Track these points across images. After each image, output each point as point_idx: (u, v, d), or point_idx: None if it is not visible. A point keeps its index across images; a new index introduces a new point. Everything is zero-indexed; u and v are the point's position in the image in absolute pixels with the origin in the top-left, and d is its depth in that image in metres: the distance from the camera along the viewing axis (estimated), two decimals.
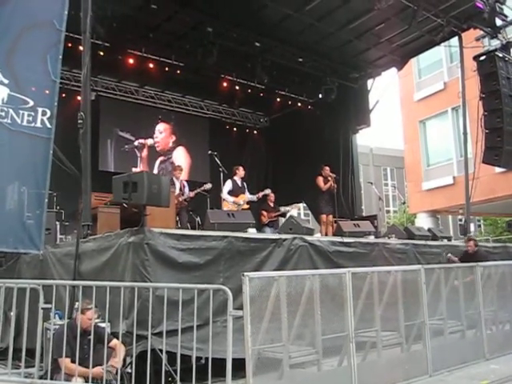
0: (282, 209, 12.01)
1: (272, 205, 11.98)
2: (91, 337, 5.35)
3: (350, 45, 13.57)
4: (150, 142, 15.07)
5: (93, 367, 5.19)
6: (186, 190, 10.70)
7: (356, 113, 15.47)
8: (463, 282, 7.43)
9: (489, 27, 12.59)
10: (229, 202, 10.92)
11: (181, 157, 15.54)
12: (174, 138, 15.67)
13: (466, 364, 6.97)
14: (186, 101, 16.05)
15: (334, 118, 15.44)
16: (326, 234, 11.66)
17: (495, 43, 12.78)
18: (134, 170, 14.44)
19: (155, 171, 14.99)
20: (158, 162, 15.33)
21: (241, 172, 11.29)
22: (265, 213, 11.70)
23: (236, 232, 7.52)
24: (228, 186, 11.02)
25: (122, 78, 14.54)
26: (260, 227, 11.07)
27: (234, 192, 11.02)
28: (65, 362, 5.24)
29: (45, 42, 6.88)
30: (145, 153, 15.00)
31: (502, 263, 8.90)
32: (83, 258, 6.91)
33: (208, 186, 10.60)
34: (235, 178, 11.18)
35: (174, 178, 10.65)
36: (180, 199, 10.33)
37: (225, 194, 10.97)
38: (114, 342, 5.47)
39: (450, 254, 10.00)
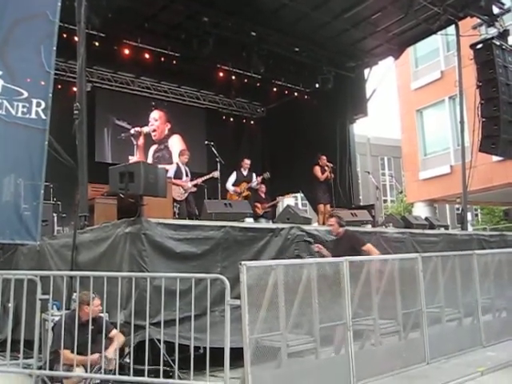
0: (279, 198, 12.12)
1: (264, 196, 12.06)
2: (92, 327, 5.40)
3: (346, 34, 13.50)
4: (145, 129, 15.03)
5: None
6: (190, 176, 10.65)
7: (353, 102, 15.41)
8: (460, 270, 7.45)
9: (486, 15, 12.54)
10: (230, 191, 11.33)
11: (176, 145, 15.49)
12: (169, 126, 15.63)
13: (463, 351, 7.01)
14: (182, 91, 16.00)
15: (331, 108, 15.38)
16: (324, 224, 11.67)
17: (492, 31, 12.72)
18: (130, 158, 14.43)
19: (150, 159, 14.97)
20: (151, 151, 15.28)
21: (245, 164, 11.61)
22: (258, 205, 11.81)
23: (233, 222, 7.52)
24: (232, 177, 11.43)
25: (117, 69, 14.47)
26: (255, 219, 11.12)
27: (237, 182, 11.39)
28: (64, 353, 5.26)
29: (38, 34, 6.85)
30: (141, 141, 14.96)
31: (498, 251, 8.93)
32: (80, 249, 6.92)
33: (216, 173, 10.65)
34: (241, 169, 11.55)
35: (180, 163, 10.58)
36: (190, 185, 10.33)
37: (228, 185, 11.31)
38: (113, 332, 5.50)
39: (318, 245, 7.54)
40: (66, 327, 5.41)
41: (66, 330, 5.38)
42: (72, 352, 5.24)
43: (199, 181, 10.56)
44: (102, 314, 5.72)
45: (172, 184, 9.78)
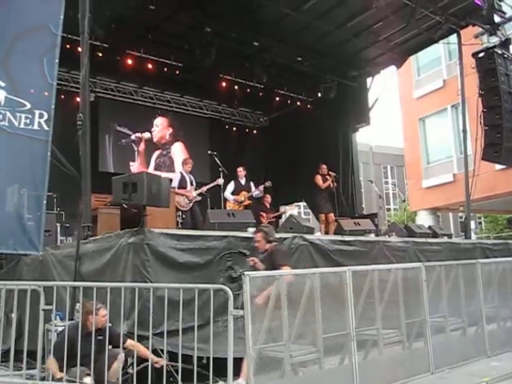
0: (282, 208, 12.06)
1: (268, 206, 12.03)
2: (100, 337, 5.42)
3: (348, 43, 13.56)
4: (146, 135, 15.01)
5: (98, 368, 5.22)
6: (195, 184, 10.60)
7: (355, 111, 15.45)
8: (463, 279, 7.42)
9: (487, 24, 12.58)
10: (230, 200, 11.18)
11: (179, 153, 15.51)
12: (170, 131, 15.64)
13: (467, 361, 6.96)
14: (184, 101, 16.04)
15: (334, 117, 15.42)
16: (327, 233, 11.66)
17: (494, 40, 12.76)
18: (131, 163, 14.44)
19: (152, 164, 14.99)
20: (154, 156, 15.29)
21: (240, 173, 11.51)
22: (264, 214, 11.73)
23: (236, 231, 7.52)
24: (230, 186, 11.31)
25: (120, 79, 14.53)
26: None
27: (236, 191, 11.30)
28: (49, 361, 5.30)
29: (41, 46, 6.92)
30: (142, 147, 14.97)
31: (502, 260, 8.88)
32: (84, 259, 6.91)
33: (221, 180, 10.66)
34: (238, 178, 11.47)
35: (184, 172, 10.55)
36: (194, 194, 10.29)
37: (226, 194, 11.21)
38: (129, 342, 5.51)
39: (253, 259, 6.41)
40: (68, 337, 5.42)
41: (68, 340, 5.39)
42: (72, 363, 5.22)
43: (204, 189, 10.52)
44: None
45: (176, 194, 9.77)
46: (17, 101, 6.60)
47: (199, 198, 10.45)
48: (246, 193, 11.29)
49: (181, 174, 10.55)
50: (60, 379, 5.22)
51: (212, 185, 10.60)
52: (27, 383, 5.48)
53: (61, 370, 5.28)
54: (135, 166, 14.46)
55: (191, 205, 10.19)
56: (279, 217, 13.32)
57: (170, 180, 9.55)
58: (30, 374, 5.58)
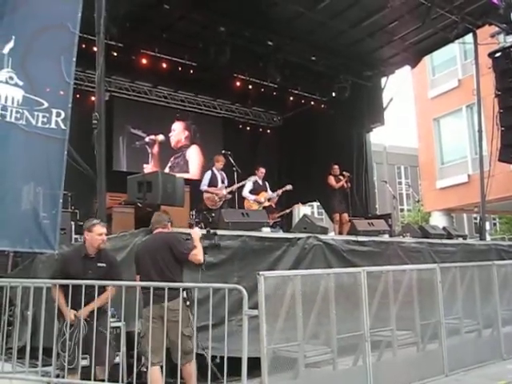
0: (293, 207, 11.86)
1: (275, 206, 11.96)
2: (99, 264, 5.40)
3: (363, 43, 13.50)
4: (160, 138, 15.07)
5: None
6: (226, 181, 10.51)
7: (370, 111, 15.39)
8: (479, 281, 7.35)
9: (504, 23, 12.46)
10: (250, 200, 10.94)
11: (194, 155, 15.57)
12: (186, 134, 15.68)
13: (482, 364, 6.91)
14: (199, 100, 16.07)
15: (348, 117, 15.37)
16: (340, 233, 11.62)
17: (511, 39, 12.65)
18: (145, 166, 14.50)
19: (167, 167, 15.05)
20: (172, 158, 15.38)
21: (259, 173, 11.29)
22: (269, 215, 11.59)
23: (250, 231, 7.51)
24: (249, 185, 11.05)
25: (135, 78, 14.60)
26: None
27: (254, 191, 11.05)
28: (53, 289, 5.27)
29: (59, 45, 6.94)
30: (156, 149, 15.04)
31: None
32: None
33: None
34: (256, 177, 11.20)
35: (216, 170, 10.45)
36: (224, 192, 10.23)
37: (245, 193, 10.98)
38: (109, 289, 5.38)
39: None
40: (64, 259, 5.48)
41: (67, 260, 5.42)
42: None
43: (234, 187, 10.42)
44: (119, 323, 5.72)
45: (206, 192, 9.73)
46: (35, 100, 6.64)
47: (229, 196, 10.39)
48: (265, 193, 11.17)
49: (211, 171, 10.46)
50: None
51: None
52: (42, 380, 5.52)
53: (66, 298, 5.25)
54: (149, 168, 14.51)
55: (221, 203, 10.13)
56: (287, 214, 13.08)
57: (184, 180, 9.55)
58: (46, 371, 5.61)
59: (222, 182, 10.37)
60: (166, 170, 14.65)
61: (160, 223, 5.64)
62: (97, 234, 5.44)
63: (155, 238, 5.63)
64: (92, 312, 5.25)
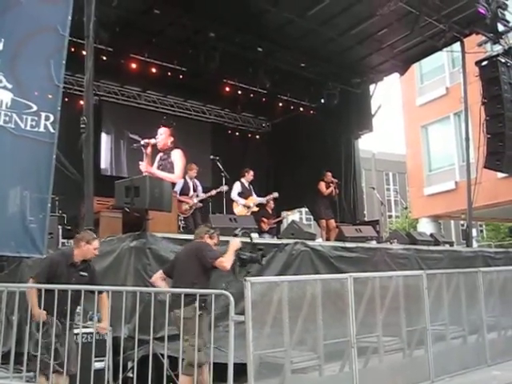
0: (284, 214, 11.96)
1: (271, 212, 11.98)
2: (84, 273, 5.50)
3: (352, 50, 13.60)
4: (153, 141, 15.11)
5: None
6: (200, 189, 10.50)
7: (358, 118, 15.48)
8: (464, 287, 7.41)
9: (491, 33, 12.57)
10: (239, 203, 10.91)
11: (177, 159, 15.56)
12: (171, 139, 15.69)
13: (467, 370, 6.96)
14: (188, 105, 16.06)
15: (336, 123, 15.43)
16: (328, 239, 11.66)
17: (497, 48, 12.79)
18: (140, 163, 14.53)
19: (155, 165, 15.07)
20: (158, 158, 15.39)
21: (249, 175, 11.24)
22: (265, 220, 11.63)
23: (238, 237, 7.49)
24: (237, 187, 11.01)
25: (124, 83, 14.56)
26: (260, 234, 11.03)
27: (242, 194, 11.00)
28: (34, 293, 5.28)
29: (48, 48, 6.91)
30: (149, 150, 15.08)
31: (504, 269, 8.89)
32: None
33: (225, 187, 10.56)
34: (243, 180, 11.15)
35: (188, 178, 10.48)
36: (195, 200, 10.22)
37: (235, 196, 10.94)
38: (104, 295, 5.47)
39: None
40: (52, 262, 5.48)
41: (54, 264, 5.43)
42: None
43: (204, 196, 10.40)
44: (105, 328, 5.71)
45: (178, 200, 9.74)
46: (24, 103, 6.60)
47: (200, 205, 10.39)
48: (253, 198, 11.16)
49: (184, 180, 10.51)
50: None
51: (214, 192, 10.50)
52: None
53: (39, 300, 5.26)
54: (143, 165, 14.58)
55: (191, 211, 10.16)
56: (280, 222, 13.24)
57: (173, 184, 9.54)
58: (30, 377, 5.56)
59: (194, 191, 10.36)
60: (155, 169, 14.70)
61: (197, 235, 5.95)
62: (93, 248, 5.59)
63: (187, 246, 5.98)
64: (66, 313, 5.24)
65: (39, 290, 5.29)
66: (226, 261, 5.43)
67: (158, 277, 5.77)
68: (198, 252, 5.57)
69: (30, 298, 5.30)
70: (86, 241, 5.55)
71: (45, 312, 5.21)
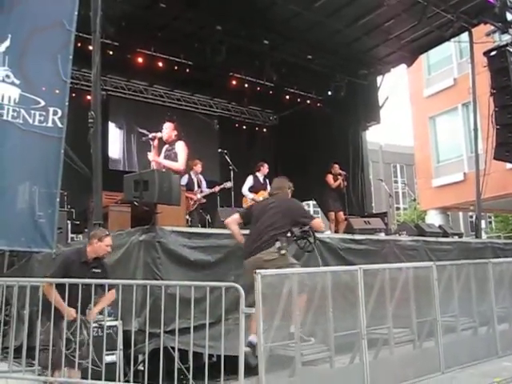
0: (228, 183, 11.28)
1: None
2: (97, 270, 5.53)
3: (359, 41, 13.49)
4: (159, 134, 15.13)
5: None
6: (204, 185, 10.42)
7: (365, 110, 15.42)
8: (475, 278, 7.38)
9: (499, 22, 12.46)
10: (248, 198, 10.76)
11: (180, 151, 15.54)
12: (175, 132, 15.68)
13: (478, 361, 6.93)
14: (194, 99, 16.05)
15: (344, 115, 15.36)
16: (336, 232, 11.63)
17: (506, 38, 12.67)
18: (148, 153, 14.56)
19: (162, 156, 15.10)
20: (164, 149, 15.42)
21: (265, 169, 11.07)
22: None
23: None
24: (249, 181, 10.85)
25: (131, 77, 14.57)
26: None
27: (254, 188, 10.79)
28: (54, 292, 5.27)
29: (55, 43, 6.93)
30: (156, 142, 15.11)
31: None
32: None
33: (229, 184, 10.49)
34: (258, 174, 10.98)
35: (193, 174, 10.43)
36: (199, 196, 10.16)
37: (244, 190, 10.80)
38: (113, 290, 5.50)
39: None
40: (67, 261, 5.50)
41: (69, 265, 5.45)
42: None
43: (208, 192, 10.34)
44: (115, 322, 5.73)
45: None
46: (31, 98, 6.62)
47: (204, 201, 10.30)
48: (264, 192, 11.02)
49: (189, 176, 10.47)
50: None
51: (218, 188, 10.42)
52: (39, 379, 5.52)
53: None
54: (151, 155, 14.65)
55: (195, 207, 10.13)
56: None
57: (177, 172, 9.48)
58: (42, 370, 5.60)
59: (199, 186, 10.29)
60: (161, 159, 14.76)
61: (280, 189, 6.59)
62: (105, 245, 5.59)
63: (277, 198, 6.48)
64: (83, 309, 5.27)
65: (57, 289, 5.30)
66: (321, 221, 6.15)
67: (234, 220, 6.35)
68: (294, 210, 6.26)
69: (54, 298, 5.27)
70: (98, 238, 5.56)
71: (74, 310, 5.23)
